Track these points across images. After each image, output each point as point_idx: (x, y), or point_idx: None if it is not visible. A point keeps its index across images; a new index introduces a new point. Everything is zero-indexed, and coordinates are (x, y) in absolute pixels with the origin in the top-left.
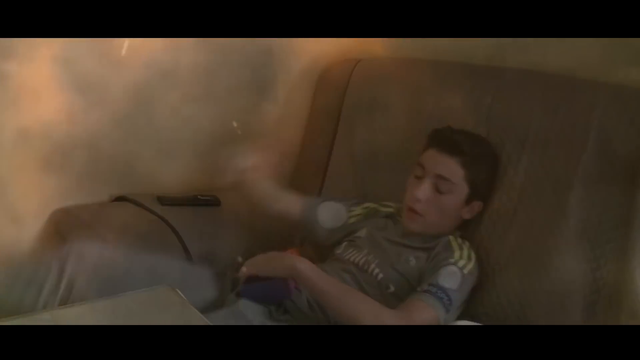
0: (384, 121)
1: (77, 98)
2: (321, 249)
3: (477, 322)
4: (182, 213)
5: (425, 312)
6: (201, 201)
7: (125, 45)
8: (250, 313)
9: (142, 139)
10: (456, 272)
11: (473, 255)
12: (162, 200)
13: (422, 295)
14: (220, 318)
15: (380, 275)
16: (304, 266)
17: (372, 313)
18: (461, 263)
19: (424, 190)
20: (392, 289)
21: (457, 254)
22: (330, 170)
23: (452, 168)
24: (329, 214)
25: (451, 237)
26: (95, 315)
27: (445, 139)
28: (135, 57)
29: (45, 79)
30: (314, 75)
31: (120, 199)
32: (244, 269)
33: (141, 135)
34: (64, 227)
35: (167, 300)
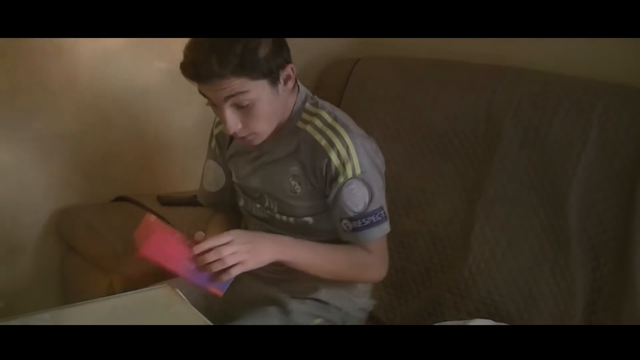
0: (383, 120)
1: (78, 98)
2: None
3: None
4: (182, 213)
5: (376, 244)
6: None
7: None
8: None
9: (142, 138)
10: (354, 187)
11: (338, 128)
12: (162, 200)
13: (358, 236)
14: None
15: (292, 219)
16: (284, 256)
17: (364, 273)
18: (349, 170)
19: (231, 120)
20: (310, 221)
21: (333, 156)
22: None
23: (231, 86)
24: (211, 180)
25: (309, 129)
26: (95, 315)
27: (196, 74)
28: (131, 56)
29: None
30: (314, 75)
31: (120, 199)
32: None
33: (141, 135)
34: (64, 227)
35: (167, 300)
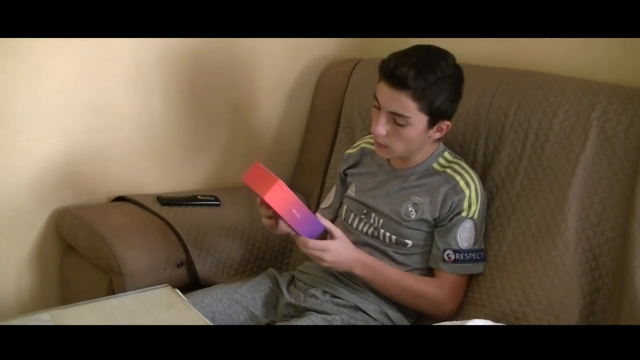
0: None
1: (78, 98)
2: None
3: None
4: (182, 213)
5: (456, 280)
6: (201, 201)
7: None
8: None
9: (142, 138)
10: (468, 227)
11: (474, 176)
12: (162, 200)
13: (457, 268)
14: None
15: (394, 237)
16: (360, 271)
17: (429, 306)
18: (471, 211)
19: (382, 125)
20: (410, 243)
21: (467, 194)
22: (330, 170)
23: (402, 103)
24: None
25: (449, 171)
26: (95, 315)
27: (391, 73)
28: (131, 56)
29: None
30: (314, 75)
31: (120, 199)
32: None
33: (141, 135)
34: (64, 227)
35: (167, 300)
